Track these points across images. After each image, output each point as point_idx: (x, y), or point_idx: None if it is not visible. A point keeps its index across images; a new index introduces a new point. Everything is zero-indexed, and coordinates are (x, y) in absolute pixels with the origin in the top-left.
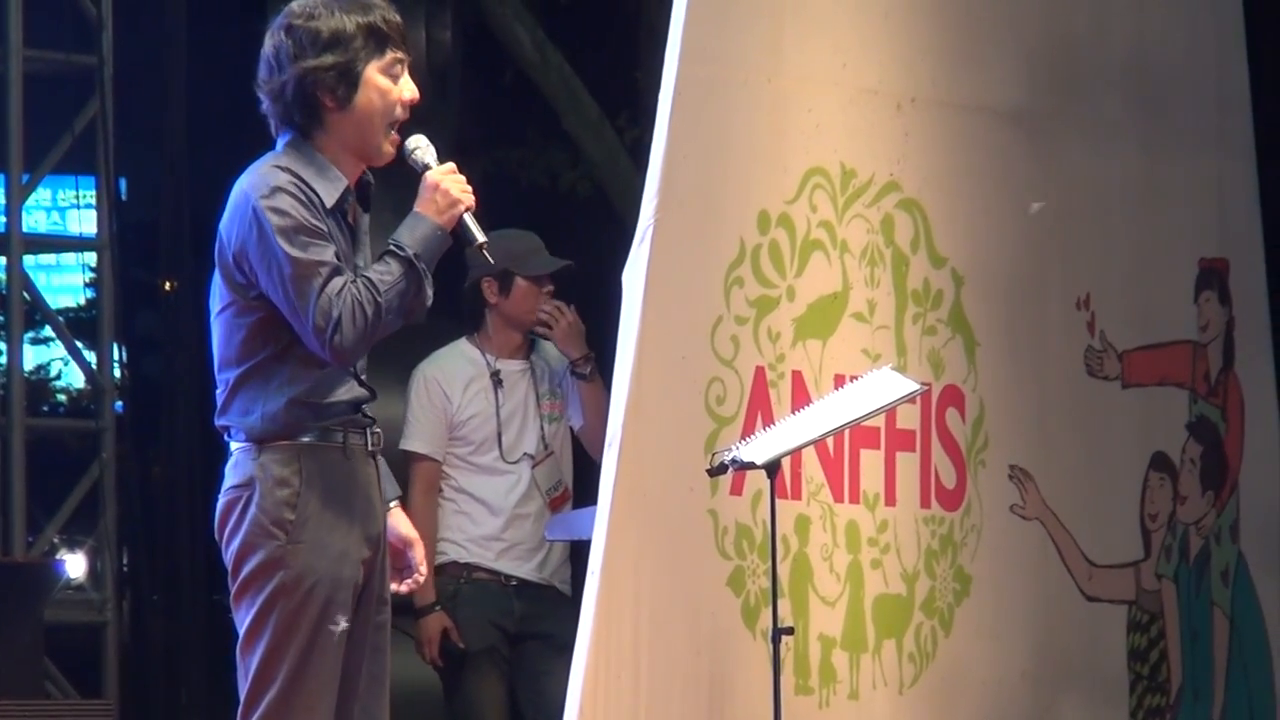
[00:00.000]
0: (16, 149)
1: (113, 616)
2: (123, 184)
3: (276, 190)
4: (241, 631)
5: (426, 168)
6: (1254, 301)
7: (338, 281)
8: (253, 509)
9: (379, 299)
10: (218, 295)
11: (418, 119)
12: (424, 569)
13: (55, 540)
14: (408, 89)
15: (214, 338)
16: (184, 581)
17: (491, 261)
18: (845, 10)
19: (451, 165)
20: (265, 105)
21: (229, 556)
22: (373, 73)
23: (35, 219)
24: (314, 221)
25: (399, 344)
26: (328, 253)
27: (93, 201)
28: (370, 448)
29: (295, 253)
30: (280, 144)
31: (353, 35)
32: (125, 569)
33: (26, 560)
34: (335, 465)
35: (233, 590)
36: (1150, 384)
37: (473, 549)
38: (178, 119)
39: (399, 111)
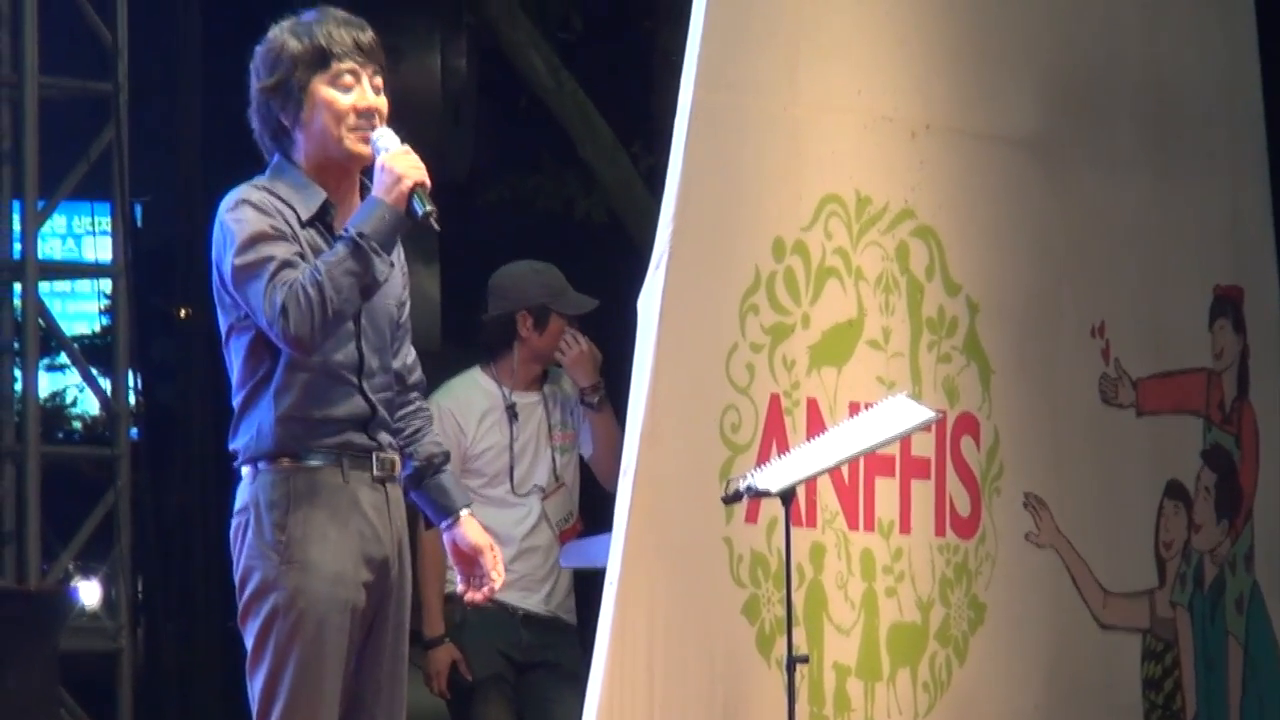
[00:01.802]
0: (32, 175)
1: (127, 644)
2: (138, 210)
3: (240, 203)
4: (248, 654)
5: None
6: (1268, 329)
7: (287, 274)
8: (249, 532)
9: (320, 279)
10: (220, 320)
11: (433, 145)
12: (498, 574)
13: (70, 567)
14: (362, 97)
15: (227, 363)
16: (198, 609)
17: (438, 229)
18: (860, 38)
19: (405, 147)
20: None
21: (236, 580)
22: (318, 86)
23: (50, 245)
24: (273, 225)
25: None
26: (279, 249)
27: (108, 228)
28: (378, 473)
29: (244, 257)
30: (268, 167)
31: (292, 54)
32: (140, 596)
33: (41, 587)
34: (331, 487)
35: (239, 613)
36: (1165, 412)
37: None
38: (193, 146)
39: (353, 119)
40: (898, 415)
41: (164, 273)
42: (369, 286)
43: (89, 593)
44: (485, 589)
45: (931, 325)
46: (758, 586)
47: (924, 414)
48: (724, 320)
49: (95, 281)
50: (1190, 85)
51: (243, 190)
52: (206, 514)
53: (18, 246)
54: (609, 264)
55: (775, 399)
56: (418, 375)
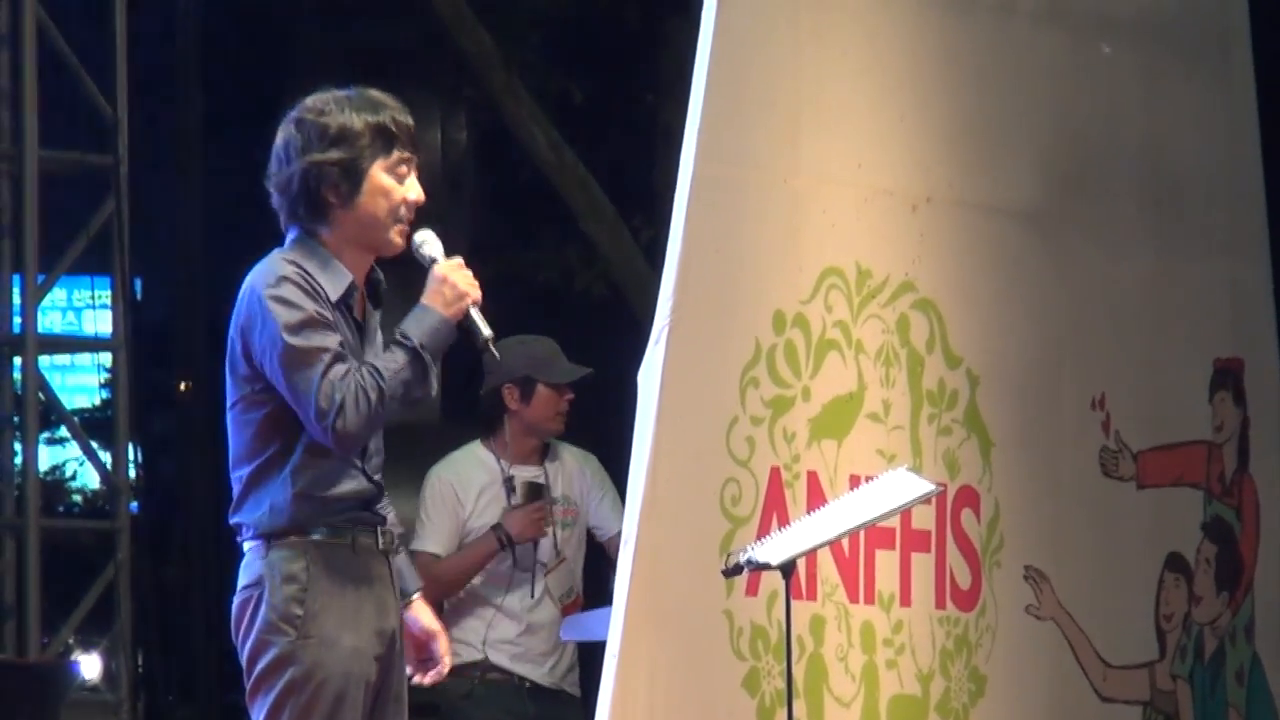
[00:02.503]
0: (32, 249)
1: (128, 717)
2: (138, 284)
3: (282, 280)
4: None
5: (433, 261)
6: (1269, 401)
7: (340, 367)
8: (263, 607)
9: (383, 385)
10: (228, 392)
11: (433, 218)
12: (448, 661)
13: (70, 641)
14: (413, 190)
15: (229, 436)
16: (199, 682)
17: (497, 356)
18: (861, 111)
19: (459, 260)
20: (274, 199)
21: (243, 656)
22: (377, 171)
23: (51, 319)
24: (319, 310)
25: (408, 445)
26: (331, 339)
27: (108, 301)
28: (382, 546)
29: (297, 341)
30: (288, 239)
31: (359, 133)
32: (140, 670)
33: (41, 661)
34: (344, 561)
35: (248, 689)
36: (1165, 484)
37: (485, 649)
38: (193, 220)
39: (403, 212)
40: (898, 488)
41: (164, 346)
42: (420, 398)
43: (90, 666)
44: (433, 673)
45: (932, 398)
46: (758, 659)
47: (924, 487)
48: (724, 393)
49: (95, 355)
50: (1190, 161)
51: (278, 265)
52: (207, 587)
53: (18, 320)
54: (609, 337)
55: (776, 472)
56: (379, 460)
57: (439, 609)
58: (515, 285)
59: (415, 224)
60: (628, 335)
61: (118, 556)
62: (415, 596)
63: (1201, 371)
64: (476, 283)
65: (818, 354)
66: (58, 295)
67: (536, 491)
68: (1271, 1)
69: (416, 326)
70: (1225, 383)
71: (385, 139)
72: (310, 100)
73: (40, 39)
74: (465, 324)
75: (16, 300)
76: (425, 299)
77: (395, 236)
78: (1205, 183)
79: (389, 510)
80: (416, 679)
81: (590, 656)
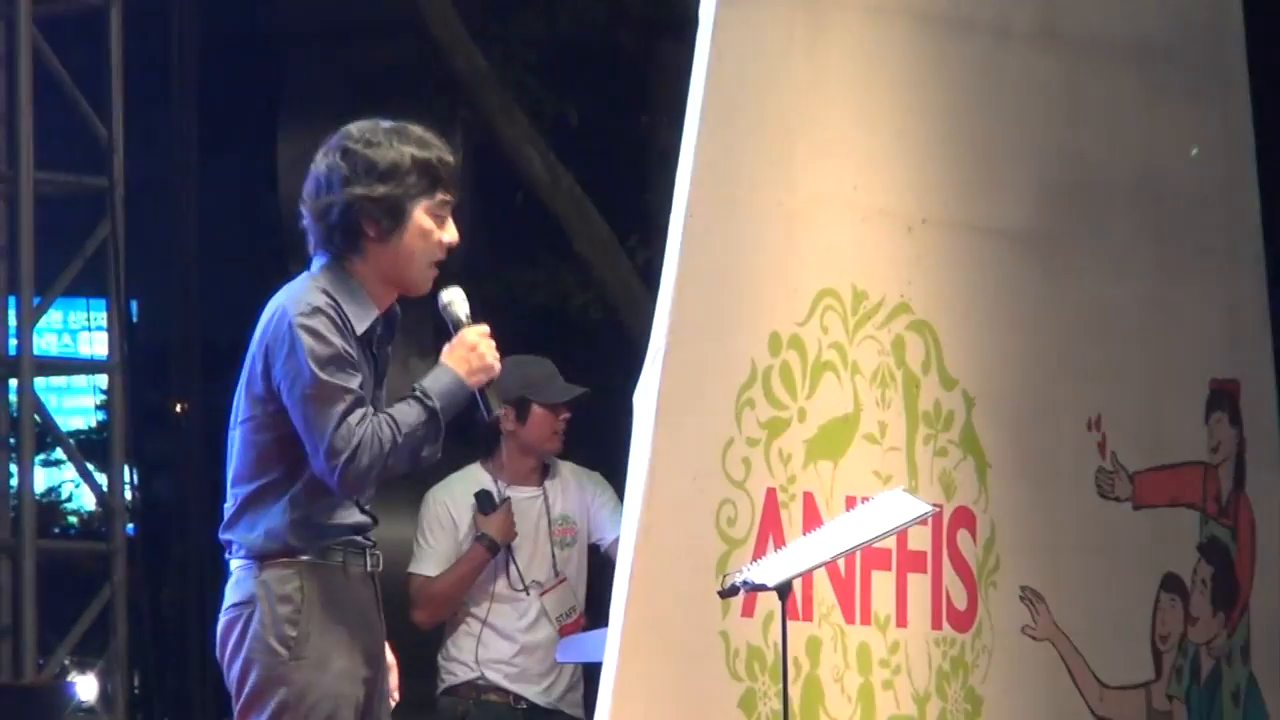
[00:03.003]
0: (27, 271)
1: None
2: (134, 306)
3: (316, 311)
4: None
5: (459, 324)
6: (1265, 422)
7: (359, 412)
8: (254, 626)
9: (397, 439)
10: (239, 407)
11: None
12: (395, 697)
13: (66, 662)
14: (450, 232)
15: (230, 450)
16: (195, 704)
17: (496, 431)
18: (857, 132)
19: (485, 328)
20: (306, 221)
21: (232, 675)
22: (419, 211)
23: (46, 341)
24: (346, 348)
25: None
26: (355, 381)
27: (104, 323)
28: (369, 569)
29: (324, 376)
30: (316, 265)
31: (407, 170)
32: (137, 691)
33: (37, 682)
34: (335, 584)
35: (236, 709)
36: (1161, 505)
37: (480, 668)
38: (189, 241)
39: (438, 253)
40: (894, 509)
41: (160, 368)
42: (424, 457)
43: (86, 688)
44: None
45: (928, 419)
46: (754, 680)
47: (920, 508)
48: (720, 414)
49: (91, 377)
50: (1187, 182)
51: (312, 293)
52: (203, 609)
53: (13, 342)
54: (605, 359)
55: (772, 493)
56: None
57: (438, 630)
58: (511, 307)
59: None
60: (623, 357)
61: (114, 578)
62: None
63: (1198, 392)
64: (498, 355)
65: (814, 375)
66: (53, 317)
67: (488, 500)
68: (1268, 24)
69: (437, 386)
70: (1221, 404)
71: (431, 178)
72: (356, 130)
73: (36, 61)
74: (478, 395)
75: (12, 322)
76: (450, 361)
77: (427, 278)
78: (1202, 204)
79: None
80: None
81: (592, 677)
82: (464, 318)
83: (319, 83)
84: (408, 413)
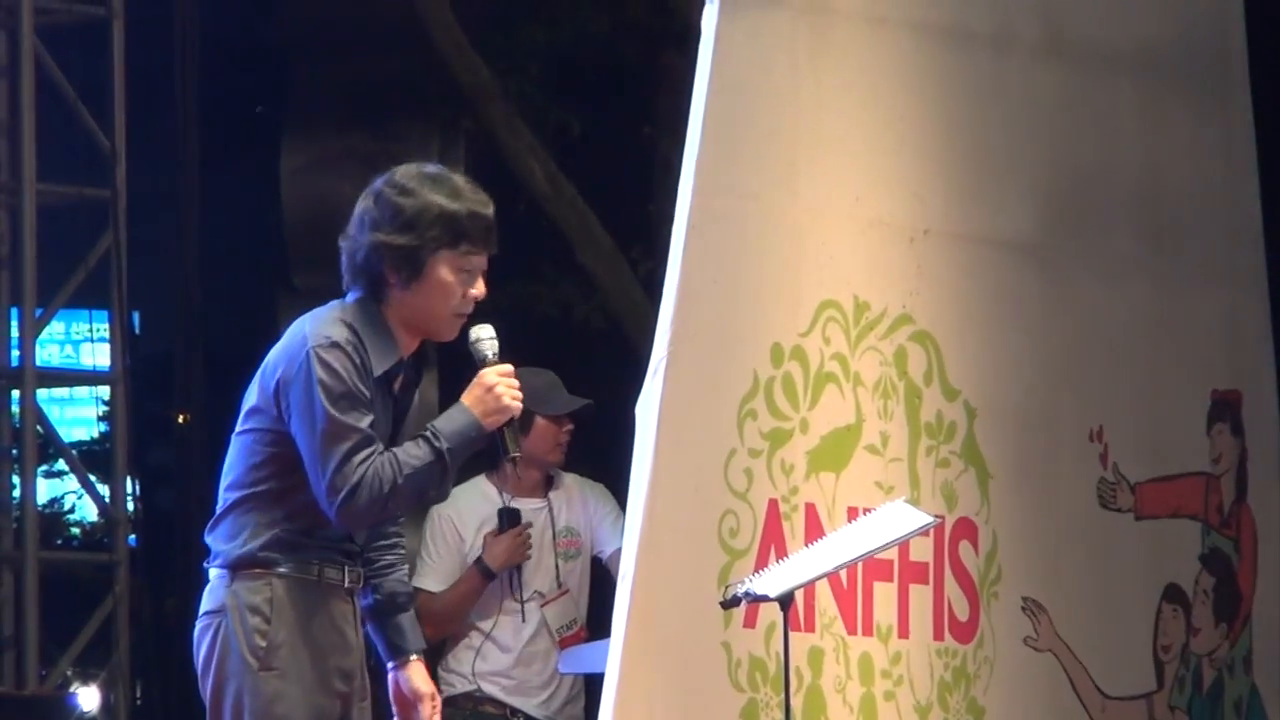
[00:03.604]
0: (30, 282)
1: None
2: (136, 317)
3: (334, 346)
4: None
5: (484, 362)
6: (1267, 433)
7: (365, 451)
8: (224, 635)
9: (399, 480)
10: (244, 416)
11: None
12: None
13: (69, 673)
14: (477, 288)
15: (228, 454)
16: (196, 714)
17: (514, 469)
18: (858, 144)
19: (509, 368)
20: (343, 259)
21: (206, 684)
22: (441, 265)
23: (49, 352)
24: (359, 386)
25: None
26: (364, 420)
27: (106, 335)
28: (348, 583)
29: (334, 412)
30: (351, 297)
31: (430, 222)
32: (139, 702)
33: (40, 693)
34: (309, 596)
35: (208, 716)
36: (1163, 516)
37: (478, 680)
38: (191, 253)
39: (462, 307)
40: (896, 520)
41: (162, 379)
42: (432, 498)
43: (88, 698)
44: None
45: (930, 430)
46: (756, 691)
47: (922, 519)
48: (722, 426)
49: (93, 388)
50: (1188, 192)
51: (335, 325)
52: None
53: (16, 353)
54: (607, 369)
55: (774, 504)
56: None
57: (439, 645)
58: (513, 317)
59: None
60: (626, 367)
61: (116, 589)
62: (413, 657)
63: (1199, 403)
64: (520, 395)
65: (816, 386)
66: (56, 328)
67: (514, 518)
68: (1270, 34)
69: (449, 426)
70: (1223, 414)
71: (455, 232)
72: (400, 173)
73: (38, 72)
74: (499, 435)
75: (15, 333)
76: (466, 399)
77: (451, 327)
78: (1203, 214)
79: (394, 563)
80: None
81: (594, 689)
82: (490, 355)
83: (322, 94)
84: (414, 453)
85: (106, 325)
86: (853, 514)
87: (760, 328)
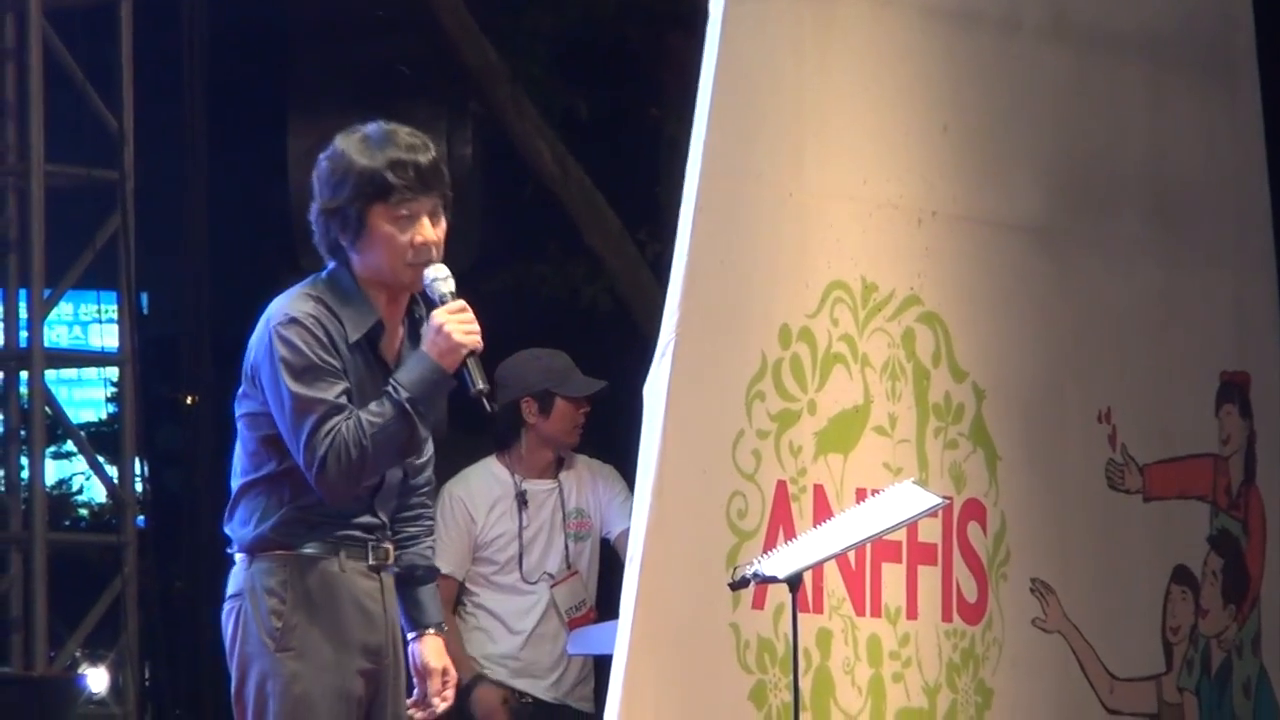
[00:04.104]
0: (38, 263)
1: None
2: (144, 299)
3: (293, 322)
4: None
5: (442, 301)
6: (1275, 414)
7: (333, 421)
8: (245, 619)
9: (365, 441)
10: (237, 403)
11: None
12: (441, 699)
13: (77, 654)
14: (420, 232)
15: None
16: (206, 695)
17: (489, 408)
18: (866, 126)
19: (461, 304)
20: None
21: (231, 665)
22: (377, 219)
23: (57, 333)
24: (324, 357)
25: None
26: (331, 390)
27: (114, 316)
28: (373, 561)
29: (298, 387)
30: (325, 270)
31: (355, 180)
32: (147, 683)
33: (48, 674)
34: (328, 576)
35: (232, 697)
36: (1171, 497)
37: (486, 664)
38: (199, 234)
39: (411, 255)
40: (904, 501)
41: (170, 360)
42: (408, 450)
43: (96, 680)
44: (426, 711)
45: (938, 411)
46: (764, 672)
47: (931, 500)
48: (730, 407)
49: (102, 370)
50: (1195, 175)
51: (294, 302)
52: (214, 601)
53: (24, 335)
54: (615, 352)
55: (782, 485)
56: (426, 475)
57: None
58: (520, 299)
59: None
60: (633, 350)
61: (124, 570)
62: (430, 631)
63: (1208, 385)
64: (476, 329)
65: (824, 368)
66: (64, 310)
67: (524, 501)
68: (1277, 17)
69: (408, 376)
70: (1231, 396)
71: (377, 185)
72: (336, 139)
73: (46, 54)
74: (461, 373)
75: (23, 315)
76: (423, 345)
77: (407, 275)
78: (1211, 197)
79: (418, 535)
80: (411, 713)
81: (601, 670)
82: (447, 294)
83: (331, 76)
84: (377, 411)
85: (115, 307)
86: (861, 495)
87: (768, 309)
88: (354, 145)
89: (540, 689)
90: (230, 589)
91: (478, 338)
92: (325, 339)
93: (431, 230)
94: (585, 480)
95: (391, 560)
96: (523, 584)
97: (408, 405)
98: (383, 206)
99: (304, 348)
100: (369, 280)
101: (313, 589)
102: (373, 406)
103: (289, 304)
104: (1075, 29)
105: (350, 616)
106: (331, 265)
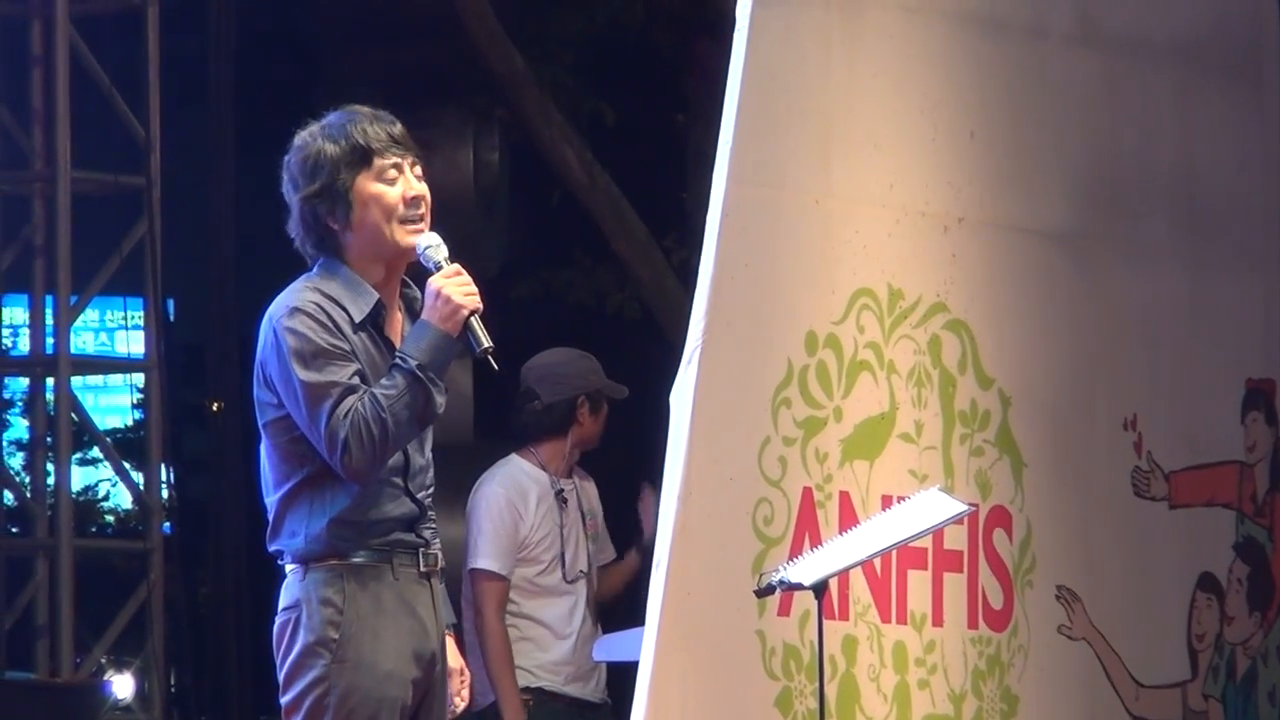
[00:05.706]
0: (65, 270)
1: None
2: (170, 305)
3: (295, 311)
4: None
5: (437, 268)
6: None
7: (348, 401)
8: (301, 630)
9: (384, 415)
10: (258, 412)
11: (465, 238)
12: (461, 699)
13: (103, 661)
14: (409, 186)
15: (260, 464)
16: (232, 702)
17: (495, 366)
18: (892, 132)
19: (456, 267)
20: (295, 244)
21: (281, 676)
22: (363, 185)
23: (83, 340)
24: (332, 341)
25: (441, 466)
26: (343, 372)
27: (140, 322)
28: (424, 568)
29: (307, 375)
30: (315, 267)
31: (332, 157)
32: (173, 690)
33: (74, 681)
34: (382, 585)
35: (283, 708)
36: (1197, 504)
37: (542, 674)
38: (225, 240)
39: (403, 210)
40: (930, 508)
41: (197, 367)
42: (426, 418)
43: (122, 686)
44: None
45: (964, 418)
46: (790, 679)
47: (957, 507)
48: (756, 414)
49: (128, 376)
50: (1223, 180)
51: (295, 295)
52: (240, 607)
53: (51, 341)
54: (641, 358)
55: (808, 492)
56: (430, 475)
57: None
58: (547, 306)
59: (449, 239)
60: (660, 356)
61: (150, 576)
62: (444, 631)
63: (1234, 392)
64: (474, 290)
65: (850, 375)
66: (90, 316)
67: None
68: None
69: (415, 346)
70: (1258, 403)
71: (359, 154)
72: (296, 138)
73: (73, 60)
74: (465, 335)
75: (50, 321)
76: (424, 314)
77: (402, 235)
78: (1238, 203)
79: (433, 536)
80: None
81: (623, 674)
82: (441, 261)
83: (357, 82)
84: (389, 384)
85: (141, 313)
86: (887, 502)
87: (794, 316)
88: (318, 132)
89: (586, 691)
90: (284, 601)
91: (477, 298)
92: (330, 324)
93: (419, 184)
94: (586, 485)
95: (440, 566)
96: (563, 584)
97: (419, 372)
98: (367, 172)
99: (310, 334)
100: (363, 259)
101: (369, 599)
102: (384, 381)
103: (288, 298)
104: (1103, 35)
105: (404, 626)
106: (320, 261)
